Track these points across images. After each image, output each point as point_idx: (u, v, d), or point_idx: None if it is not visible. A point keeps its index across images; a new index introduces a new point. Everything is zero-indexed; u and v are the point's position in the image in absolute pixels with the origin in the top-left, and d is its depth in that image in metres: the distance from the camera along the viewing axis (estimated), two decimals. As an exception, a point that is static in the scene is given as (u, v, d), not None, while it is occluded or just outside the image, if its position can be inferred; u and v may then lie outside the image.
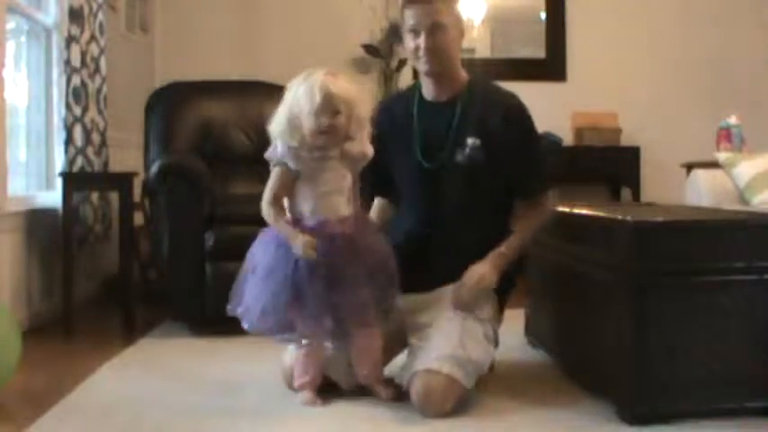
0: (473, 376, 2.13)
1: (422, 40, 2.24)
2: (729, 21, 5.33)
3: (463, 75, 2.36)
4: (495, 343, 2.31)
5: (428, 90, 2.36)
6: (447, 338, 2.11)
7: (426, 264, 2.32)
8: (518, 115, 2.30)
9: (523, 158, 2.30)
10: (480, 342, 2.16)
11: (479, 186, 2.30)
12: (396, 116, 2.40)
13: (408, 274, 2.23)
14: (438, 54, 2.24)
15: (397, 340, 2.30)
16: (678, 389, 1.99)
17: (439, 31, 2.23)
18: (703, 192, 3.76)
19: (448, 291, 2.25)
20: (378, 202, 2.57)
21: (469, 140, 2.27)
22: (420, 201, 2.36)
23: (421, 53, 2.25)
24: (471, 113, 2.29)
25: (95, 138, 3.76)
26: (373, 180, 2.50)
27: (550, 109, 5.02)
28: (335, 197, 2.15)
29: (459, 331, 2.13)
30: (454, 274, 2.24)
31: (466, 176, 2.28)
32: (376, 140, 2.42)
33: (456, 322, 2.16)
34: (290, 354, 2.29)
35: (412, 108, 2.37)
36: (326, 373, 2.24)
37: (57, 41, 3.64)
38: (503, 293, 2.35)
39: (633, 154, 5.00)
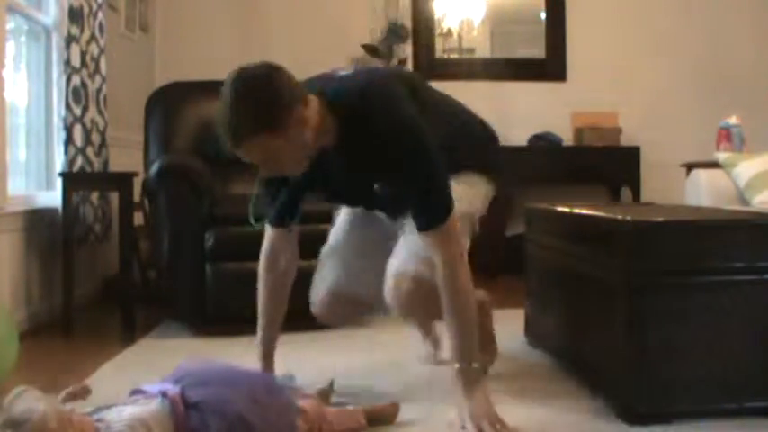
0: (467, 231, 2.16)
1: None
2: (729, 21, 5.34)
3: (328, 122, 2.04)
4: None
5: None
6: (411, 245, 2.09)
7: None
8: (396, 137, 1.97)
9: (409, 183, 2.00)
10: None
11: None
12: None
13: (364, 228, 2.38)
14: (282, 167, 2.08)
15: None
16: (678, 389, 1.99)
17: (267, 160, 2.04)
18: (703, 192, 3.76)
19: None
20: (275, 235, 2.30)
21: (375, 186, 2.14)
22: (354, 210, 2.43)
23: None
24: (360, 156, 2.07)
25: (95, 138, 3.76)
26: (279, 210, 2.31)
27: (550, 109, 5.05)
28: None
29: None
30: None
31: (392, 198, 2.15)
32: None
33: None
34: (315, 289, 2.35)
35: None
36: (354, 290, 2.28)
37: (56, 41, 3.64)
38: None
39: (633, 154, 5.01)
